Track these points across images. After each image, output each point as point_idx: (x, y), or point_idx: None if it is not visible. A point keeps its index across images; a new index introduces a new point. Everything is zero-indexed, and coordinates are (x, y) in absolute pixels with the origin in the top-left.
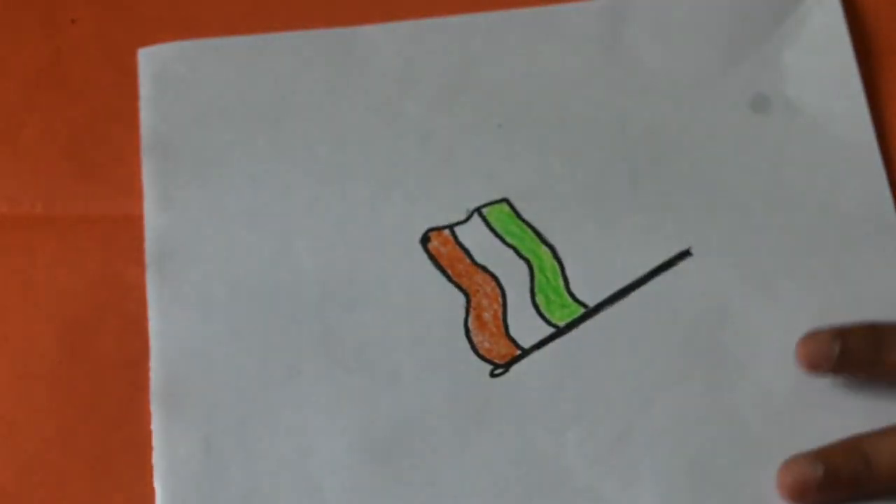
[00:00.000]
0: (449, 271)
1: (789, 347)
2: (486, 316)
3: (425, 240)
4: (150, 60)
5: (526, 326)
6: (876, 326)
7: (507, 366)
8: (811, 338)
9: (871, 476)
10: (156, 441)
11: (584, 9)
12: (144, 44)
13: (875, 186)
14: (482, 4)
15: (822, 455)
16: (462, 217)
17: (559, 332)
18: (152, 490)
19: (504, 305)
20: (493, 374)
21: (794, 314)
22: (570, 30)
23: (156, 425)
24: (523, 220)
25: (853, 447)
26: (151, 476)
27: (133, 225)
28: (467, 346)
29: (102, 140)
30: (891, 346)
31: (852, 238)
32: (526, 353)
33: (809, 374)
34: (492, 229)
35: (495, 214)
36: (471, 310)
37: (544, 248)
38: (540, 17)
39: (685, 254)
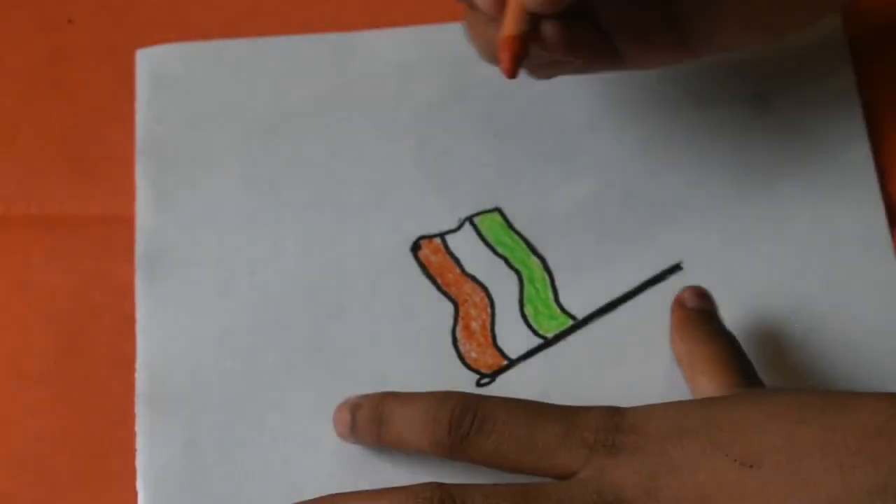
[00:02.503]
0: (438, 280)
1: (778, 364)
2: (474, 326)
3: (415, 247)
4: (148, 61)
5: (514, 337)
6: (384, 398)
7: (493, 375)
8: (339, 407)
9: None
10: (139, 443)
11: None
12: (141, 45)
13: (869, 205)
14: None
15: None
16: (454, 225)
17: (547, 343)
18: None
19: (492, 315)
20: (479, 384)
21: (783, 332)
22: None
23: (140, 427)
24: (515, 231)
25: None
26: None
27: (129, 226)
28: (454, 354)
29: (99, 140)
30: (388, 420)
31: (845, 256)
32: (513, 363)
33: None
34: (483, 238)
35: (487, 224)
36: (459, 319)
37: (535, 259)
38: None
39: (676, 268)
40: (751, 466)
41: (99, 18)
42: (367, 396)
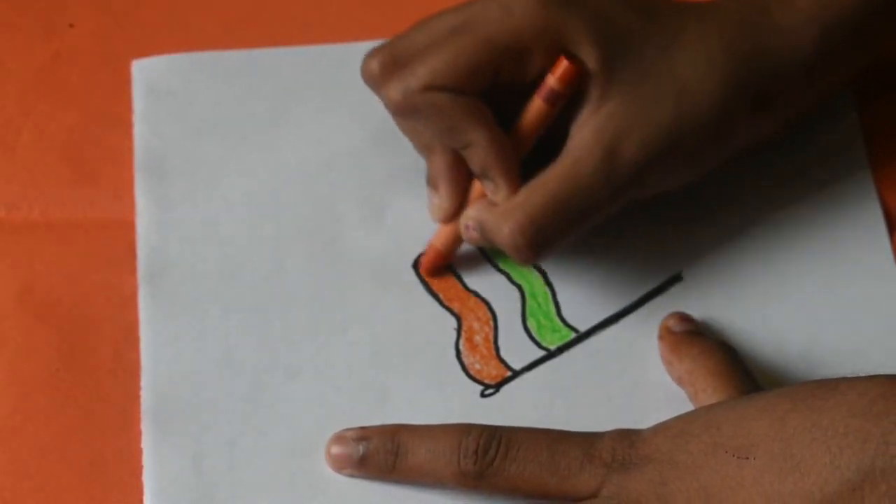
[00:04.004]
0: (440, 296)
1: (779, 373)
2: (478, 339)
3: (417, 263)
4: (144, 73)
5: (517, 349)
6: (398, 430)
7: (497, 386)
8: (339, 439)
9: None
10: (146, 459)
11: None
12: (142, 49)
13: (868, 212)
14: None
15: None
16: None
17: (550, 354)
18: None
19: (495, 329)
20: (483, 395)
21: (785, 339)
22: None
23: (146, 443)
24: None
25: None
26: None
27: (131, 230)
28: (458, 367)
29: (100, 144)
30: (406, 452)
31: (845, 264)
32: (517, 374)
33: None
34: (484, 254)
35: None
36: (462, 333)
37: (536, 274)
38: None
39: (676, 278)
40: (747, 458)
41: (100, 23)
42: (373, 428)
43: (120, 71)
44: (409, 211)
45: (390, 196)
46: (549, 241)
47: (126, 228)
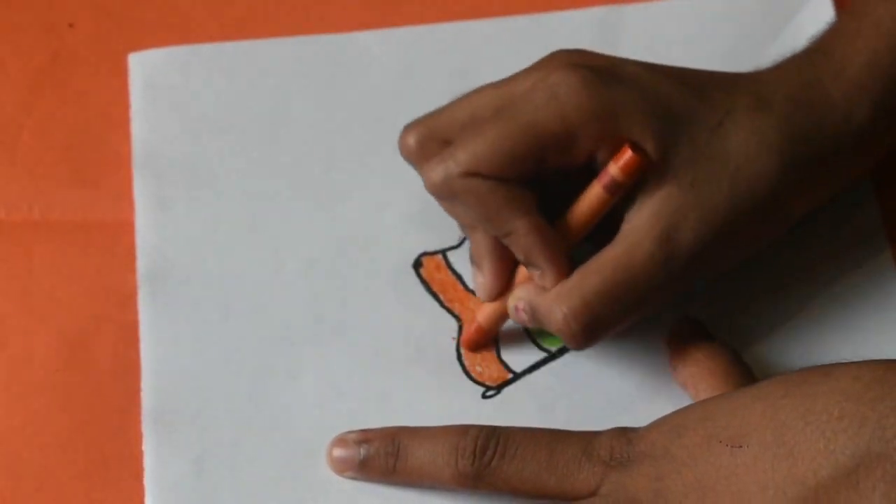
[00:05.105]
0: (441, 296)
1: (780, 373)
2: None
3: (417, 264)
4: (141, 66)
5: (518, 351)
6: (398, 432)
7: (498, 388)
8: (340, 442)
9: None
10: (147, 461)
11: (578, 17)
12: (142, 49)
13: (868, 212)
14: (477, 12)
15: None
16: (455, 242)
17: (551, 356)
18: None
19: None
20: (484, 396)
21: (785, 339)
22: (565, 38)
23: (147, 446)
24: None
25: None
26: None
27: (130, 231)
28: (459, 369)
29: (100, 145)
30: (406, 454)
31: (845, 264)
32: (518, 376)
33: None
34: None
35: None
36: (462, 334)
37: None
38: (535, 25)
39: None
40: (740, 447)
41: (100, 22)
42: (374, 431)
43: (120, 70)
44: (409, 211)
45: (391, 194)
46: (603, 327)
47: (126, 229)
